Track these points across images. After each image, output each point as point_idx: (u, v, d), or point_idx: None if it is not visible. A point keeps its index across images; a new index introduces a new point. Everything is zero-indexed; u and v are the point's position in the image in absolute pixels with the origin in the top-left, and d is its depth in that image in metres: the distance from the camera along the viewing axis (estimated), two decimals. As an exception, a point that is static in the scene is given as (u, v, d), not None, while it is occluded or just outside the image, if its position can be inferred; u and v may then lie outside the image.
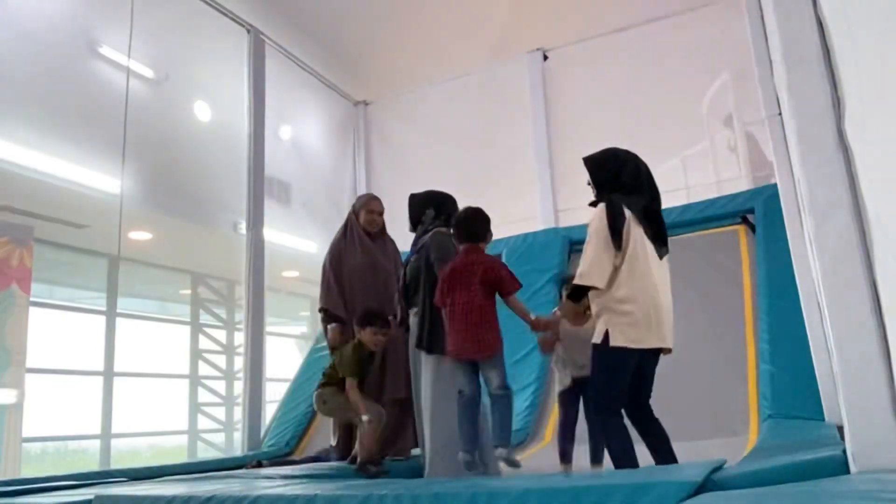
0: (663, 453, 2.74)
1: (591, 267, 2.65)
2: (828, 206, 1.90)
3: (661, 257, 2.81)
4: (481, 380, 3.02)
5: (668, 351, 2.77)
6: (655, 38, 6.65)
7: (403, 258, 3.96)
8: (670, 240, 2.94)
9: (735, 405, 4.34)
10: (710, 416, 4.21)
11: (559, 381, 3.36)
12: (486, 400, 3.09)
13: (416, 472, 3.39)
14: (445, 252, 3.27)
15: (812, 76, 1.98)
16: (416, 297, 3.36)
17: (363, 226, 4.20)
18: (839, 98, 1.92)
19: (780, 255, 4.46)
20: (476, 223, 3.10)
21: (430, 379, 3.24)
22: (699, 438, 3.61)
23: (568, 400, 3.25)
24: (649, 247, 2.74)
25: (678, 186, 6.29)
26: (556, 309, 3.12)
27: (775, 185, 4.32)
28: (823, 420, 3.56)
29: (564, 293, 3.10)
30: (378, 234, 4.25)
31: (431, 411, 3.19)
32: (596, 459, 3.09)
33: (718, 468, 2.09)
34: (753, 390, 4.34)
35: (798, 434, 3.15)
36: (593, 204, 2.88)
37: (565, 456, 3.25)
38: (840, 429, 2.74)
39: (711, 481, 1.90)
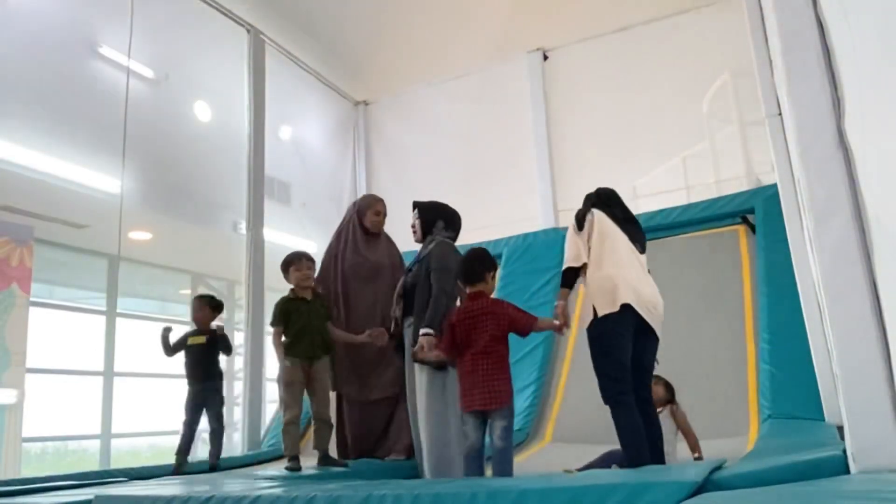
0: (652, 444, 2.84)
1: (567, 252, 3.07)
2: (828, 206, 1.90)
3: (641, 252, 3.14)
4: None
5: (657, 338, 2.96)
6: (655, 38, 6.66)
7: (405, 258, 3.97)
8: (670, 240, 3.09)
9: (735, 405, 4.34)
10: (710, 416, 4.21)
11: None
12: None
13: (415, 475, 3.40)
14: (445, 261, 3.30)
15: (812, 76, 1.98)
16: (412, 307, 3.35)
17: (368, 226, 4.18)
18: (839, 98, 1.92)
19: (780, 255, 4.46)
20: (476, 264, 3.06)
21: (424, 388, 3.24)
22: (699, 438, 3.61)
23: None
24: (622, 239, 3.06)
25: (678, 186, 6.30)
26: (556, 303, 3.10)
27: (775, 185, 4.32)
28: (823, 420, 3.56)
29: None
30: (377, 234, 4.25)
31: (426, 421, 3.20)
32: None
33: (718, 468, 2.09)
34: (753, 390, 4.34)
35: (798, 434, 3.15)
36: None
37: None
38: (840, 429, 2.75)
39: (711, 481, 1.90)
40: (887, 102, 1.34)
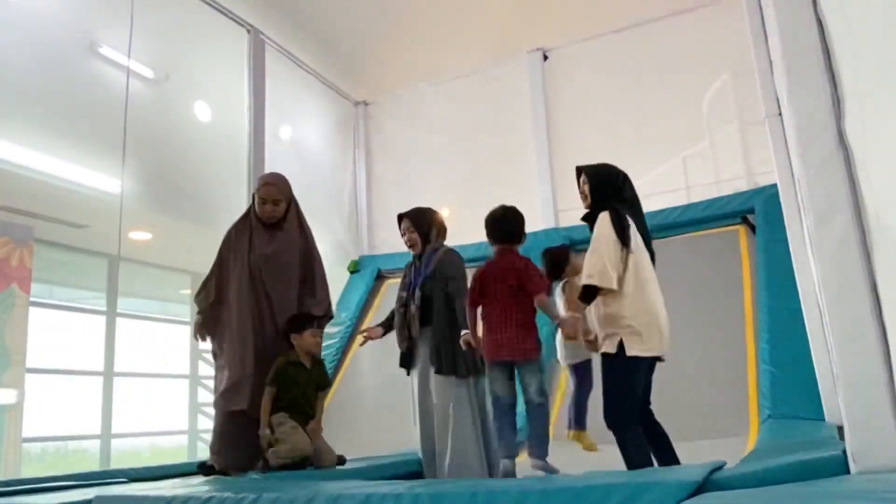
0: (666, 455, 2.79)
1: (601, 269, 2.66)
2: (828, 206, 1.90)
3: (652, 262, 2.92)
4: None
5: (663, 360, 2.84)
6: (655, 38, 6.66)
7: (375, 263, 3.89)
8: (670, 240, 3.03)
9: (735, 405, 4.34)
10: (710, 416, 4.21)
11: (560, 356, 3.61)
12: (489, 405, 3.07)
13: (414, 475, 3.40)
14: (460, 269, 3.35)
15: (812, 76, 1.98)
16: (428, 317, 3.33)
17: (260, 216, 3.61)
18: (839, 98, 1.92)
19: (780, 255, 4.46)
20: (512, 223, 3.02)
21: (446, 400, 3.21)
22: (699, 438, 3.61)
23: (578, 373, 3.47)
24: (648, 260, 2.83)
25: (678, 186, 6.30)
26: (566, 315, 3.02)
27: (775, 185, 4.32)
28: (823, 420, 3.56)
29: (545, 265, 3.34)
30: (278, 225, 3.66)
31: (448, 429, 3.17)
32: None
33: (718, 468, 2.09)
34: (753, 390, 4.35)
35: (798, 434, 3.15)
36: (587, 217, 2.93)
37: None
38: (840, 429, 2.75)
39: (711, 481, 1.90)
40: (887, 102, 1.34)
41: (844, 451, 1.91)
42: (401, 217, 3.63)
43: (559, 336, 3.40)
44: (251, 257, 3.55)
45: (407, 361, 3.49)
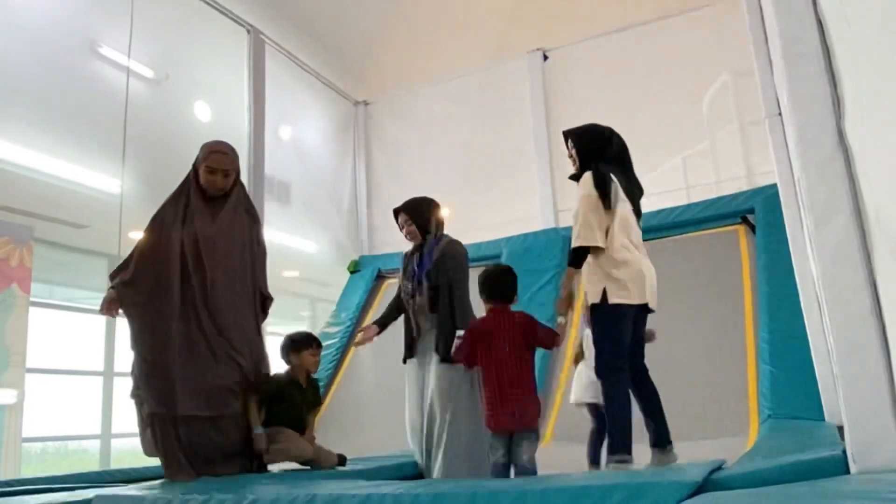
0: (654, 410, 2.91)
1: (585, 229, 2.82)
2: (828, 206, 1.90)
3: (638, 221, 3.04)
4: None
5: (652, 310, 2.97)
6: (655, 38, 6.66)
7: (386, 261, 3.88)
8: (670, 240, 3.08)
9: (735, 405, 4.34)
10: (710, 416, 4.21)
11: (575, 393, 3.64)
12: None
13: (414, 476, 3.39)
14: (462, 261, 3.36)
15: (812, 76, 1.98)
16: (437, 305, 3.32)
17: (202, 186, 3.18)
18: (839, 98, 1.92)
19: (780, 255, 4.46)
20: (510, 282, 2.97)
21: (446, 387, 3.22)
22: (699, 438, 3.62)
23: (599, 413, 3.47)
24: (633, 216, 2.96)
25: (678, 186, 6.30)
26: (563, 283, 3.03)
27: (775, 185, 4.32)
28: (823, 420, 3.56)
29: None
30: (221, 201, 3.20)
31: (452, 415, 3.18)
32: (658, 444, 2.99)
33: (718, 468, 2.09)
34: (753, 390, 4.35)
35: (798, 434, 3.15)
36: (574, 177, 3.06)
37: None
38: (840, 429, 2.75)
39: (711, 481, 1.90)
40: (887, 102, 1.34)
41: (844, 451, 1.91)
42: (396, 211, 3.63)
43: (576, 374, 3.61)
44: (188, 237, 3.05)
45: (410, 351, 3.48)
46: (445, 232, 3.60)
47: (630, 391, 2.88)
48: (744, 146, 6.05)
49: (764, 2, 3.67)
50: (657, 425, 2.92)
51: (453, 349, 3.02)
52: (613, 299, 2.80)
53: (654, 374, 3.02)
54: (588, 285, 2.91)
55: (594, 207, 2.83)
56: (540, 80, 7.17)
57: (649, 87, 6.57)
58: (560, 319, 2.95)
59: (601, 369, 2.86)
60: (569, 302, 2.96)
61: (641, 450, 2.89)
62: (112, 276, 3.09)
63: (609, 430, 2.84)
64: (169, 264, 3.00)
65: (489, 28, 7.49)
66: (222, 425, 3.03)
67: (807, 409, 3.73)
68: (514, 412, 2.78)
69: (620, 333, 2.83)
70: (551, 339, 2.89)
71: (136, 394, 3.02)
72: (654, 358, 3.08)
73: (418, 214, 3.52)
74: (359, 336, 3.78)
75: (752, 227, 5.42)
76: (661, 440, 2.94)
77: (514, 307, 2.98)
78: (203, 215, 3.12)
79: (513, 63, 7.38)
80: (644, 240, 3.11)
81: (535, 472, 2.83)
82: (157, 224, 3.12)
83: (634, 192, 3.05)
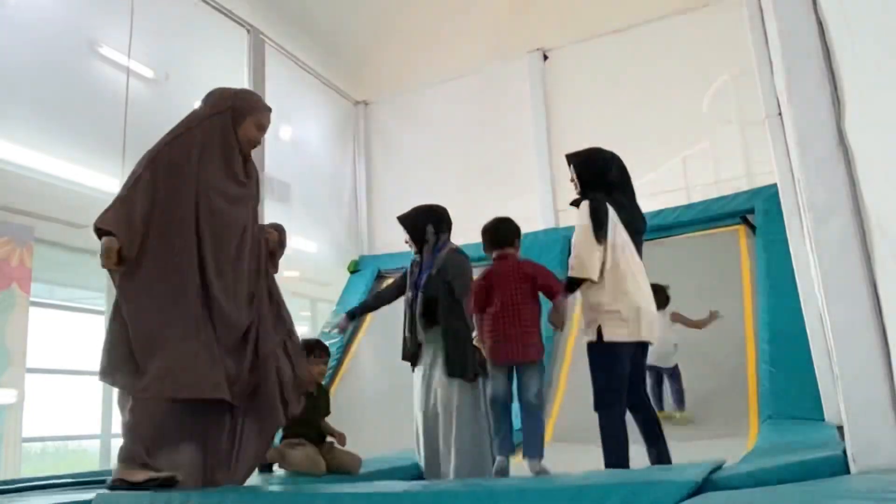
0: (655, 436, 2.87)
1: (581, 260, 2.81)
2: (828, 206, 1.90)
3: (639, 249, 2.97)
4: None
5: (651, 343, 2.92)
6: (655, 38, 6.66)
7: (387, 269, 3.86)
8: (670, 240, 3.06)
9: (735, 405, 4.34)
10: (711, 416, 4.21)
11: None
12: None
13: (415, 477, 3.39)
14: (465, 270, 3.31)
15: (812, 76, 1.98)
16: (433, 318, 3.30)
17: (243, 143, 2.74)
18: (839, 98, 1.92)
19: (780, 255, 4.46)
20: (506, 228, 3.06)
21: (453, 401, 3.19)
22: (699, 438, 3.61)
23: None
24: (632, 248, 2.90)
25: (678, 186, 6.30)
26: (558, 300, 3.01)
27: (775, 185, 4.32)
28: (823, 420, 3.56)
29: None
30: (244, 160, 2.80)
31: (457, 434, 3.14)
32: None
33: (718, 468, 2.09)
34: (753, 390, 4.35)
35: (798, 434, 3.15)
36: (575, 203, 3.03)
37: None
38: (840, 429, 2.75)
39: (711, 481, 1.90)
40: (887, 102, 1.34)
41: (844, 451, 1.91)
42: (399, 218, 3.65)
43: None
44: (214, 192, 2.60)
45: (412, 359, 3.47)
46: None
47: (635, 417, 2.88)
48: (744, 146, 6.05)
49: (764, 2, 3.67)
50: (659, 452, 2.89)
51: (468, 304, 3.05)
52: (609, 337, 2.77)
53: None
54: (584, 317, 2.89)
55: (588, 239, 2.82)
56: (540, 80, 7.18)
57: (649, 87, 6.57)
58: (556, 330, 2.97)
59: (596, 405, 2.84)
60: (562, 322, 2.95)
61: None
62: (105, 216, 2.52)
63: (606, 464, 2.83)
64: (184, 222, 2.54)
65: (489, 28, 7.48)
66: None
67: (807, 409, 3.73)
68: (517, 344, 2.82)
69: (616, 370, 2.79)
70: (556, 286, 2.90)
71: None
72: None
73: (411, 226, 3.51)
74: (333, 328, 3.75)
75: (752, 227, 5.42)
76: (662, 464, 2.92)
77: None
78: (236, 172, 2.70)
79: (513, 63, 7.38)
80: (644, 240, 3.10)
81: (541, 408, 2.88)
82: (185, 158, 2.64)
83: (634, 220, 2.99)
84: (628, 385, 2.87)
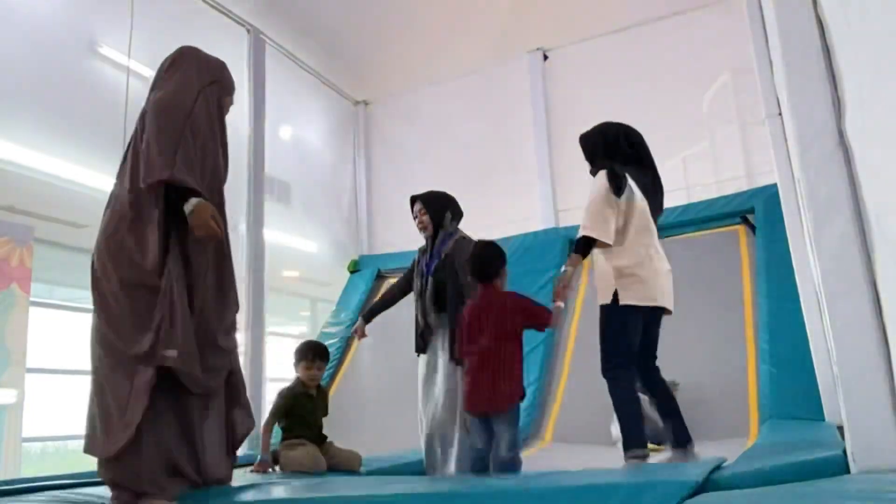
0: (670, 412, 2.87)
1: (594, 222, 2.77)
2: (828, 206, 1.90)
3: (655, 221, 2.99)
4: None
5: (669, 312, 2.91)
6: (655, 38, 6.66)
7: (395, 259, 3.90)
8: (670, 240, 3.07)
9: (735, 405, 4.34)
10: (710, 416, 4.21)
11: None
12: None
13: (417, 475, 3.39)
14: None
15: (812, 76, 1.98)
16: (443, 304, 3.31)
17: (212, 114, 2.70)
18: (839, 98, 1.92)
19: (780, 255, 4.46)
20: (491, 258, 2.92)
21: (454, 387, 3.20)
22: (699, 438, 3.60)
23: None
24: (650, 216, 2.92)
25: (678, 186, 6.29)
26: (564, 268, 2.91)
27: (775, 185, 4.32)
28: (823, 420, 3.56)
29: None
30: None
31: (461, 418, 3.15)
32: (678, 443, 2.94)
33: (718, 468, 2.09)
34: (753, 390, 4.35)
35: (798, 434, 3.15)
36: (594, 173, 3.01)
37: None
38: (840, 429, 2.75)
39: (711, 481, 1.90)
40: (887, 102, 1.34)
41: (844, 451, 1.92)
42: (413, 199, 3.64)
43: None
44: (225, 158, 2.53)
45: (421, 346, 3.47)
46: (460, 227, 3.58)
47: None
48: (744, 146, 6.05)
49: (764, 2, 3.67)
50: (675, 425, 2.89)
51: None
52: (625, 300, 2.75)
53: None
54: (599, 283, 2.88)
55: (607, 202, 2.78)
56: (540, 80, 7.18)
57: (649, 87, 6.57)
58: (558, 304, 2.83)
59: (605, 369, 2.84)
60: (567, 288, 2.84)
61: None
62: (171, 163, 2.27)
63: (621, 427, 2.81)
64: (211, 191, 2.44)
65: (489, 28, 7.48)
66: None
67: (807, 409, 3.73)
68: (488, 391, 2.69)
69: (627, 334, 2.79)
70: (543, 319, 2.78)
71: None
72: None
73: (434, 206, 3.54)
74: (357, 337, 3.81)
75: (752, 227, 5.42)
76: (680, 439, 2.92)
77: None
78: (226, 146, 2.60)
79: (513, 63, 7.38)
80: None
81: (514, 461, 2.69)
82: (218, 110, 2.63)
83: (652, 190, 2.97)
84: (642, 358, 2.87)
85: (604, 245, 2.81)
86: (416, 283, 3.51)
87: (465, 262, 3.17)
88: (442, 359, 3.29)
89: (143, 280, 2.23)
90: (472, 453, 2.87)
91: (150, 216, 2.28)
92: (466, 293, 3.20)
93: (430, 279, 3.38)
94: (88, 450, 2.24)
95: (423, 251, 3.60)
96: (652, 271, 2.79)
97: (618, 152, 3.00)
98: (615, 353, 2.80)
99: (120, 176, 2.48)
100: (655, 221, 3.00)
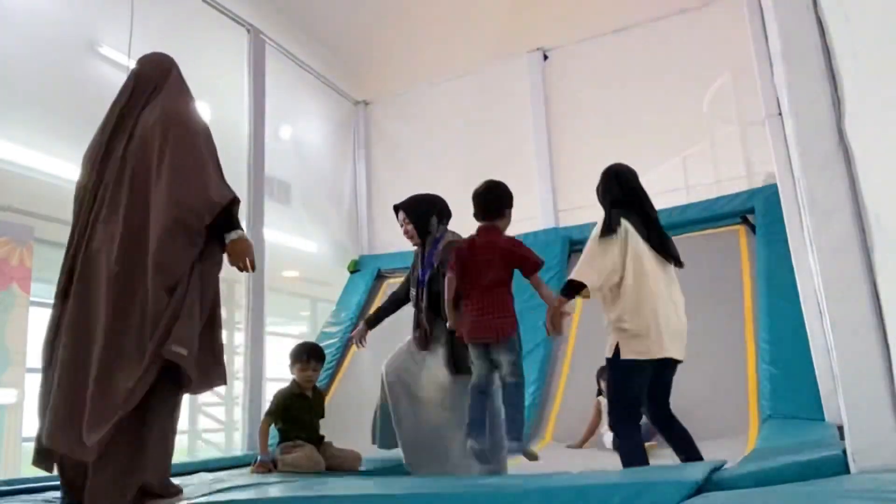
0: (687, 450, 2.82)
1: (583, 266, 2.76)
2: (828, 206, 1.90)
3: (678, 266, 2.92)
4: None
5: (680, 361, 2.85)
6: (656, 37, 6.66)
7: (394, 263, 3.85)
8: (672, 270, 2.98)
9: (735, 405, 4.34)
10: (710, 416, 4.21)
11: None
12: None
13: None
14: None
15: (812, 76, 1.98)
16: (440, 311, 3.26)
17: None
18: (839, 98, 1.92)
19: (780, 255, 4.46)
20: (498, 197, 2.99)
21: (449, 397, 3.18)
22: (699, 438, 3.59)
23: None
24: (653, 261, 2.81)
25: (678, 186, 6.30)
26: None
27: (775, 185, 4.32)
28: (823, 420, 3.56)
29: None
30: None
31: (455, 429, 3.12)
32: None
33: (718, 468, 2.09)
34: (753, 390, 4.35)
35: (798, 434, 3.15)
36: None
37: None
38: (840, 429, 2.75)
39: (711, 481, 1.90)
40: (887, 102, 1.34)
41: (844, 451, 1.91)
42: (396, 208, 3.55)
43: None
44: None
45: (423, 346, 3.41)
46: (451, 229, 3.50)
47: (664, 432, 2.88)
48: (744, 146, 6.05)
49: (764, 2, 3.67)
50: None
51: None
52: (626, 355, 2.70)
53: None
54: (607, 333, 2.84)
55: (600, 248, 2.76)
56: (540, 80, 7.17)
57: (649, 87, 6.57)
58: (555, 334, 2.89)
59: (614, 422, 2.84)
60: (562, 317, 2.84)
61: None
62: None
63: None
64: None
65: (489, 28, 7.48)
66: None
67: (807, 409, 3.73)
68: (489, 320, 2.82)
69: (632, 389, 2.75)
70: (536, 267, 2.88)
71: None
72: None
73: (417, 213, 3.42)
74: (354, 343, 3.78)
75: (752, 227, 5.42)
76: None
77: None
78: None
79: (513, 63, 7.38)
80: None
81: (520, 385, 2.83)
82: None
83: (651, 233, 2.87)
84: (654, 401, 2.84)
85: (606, 295, 2.79)
86: (413, 293, 3.43)
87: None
88: (435, 370, 3.24)
89: (170, 285, 2.33)
90: (471, 386, 2.90)
91: (192, 236, 2.43)
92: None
93: (424, 291, 3.32)
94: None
95: (417, 256, 3.53)
96: (651, 321, 2.70)
97: (619, 195, 2.93)
98: (620, 406, 2.77)
99: (135, 189, 2.49)
100: (669, 260, 2.90)
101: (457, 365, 3.13)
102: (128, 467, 2.21)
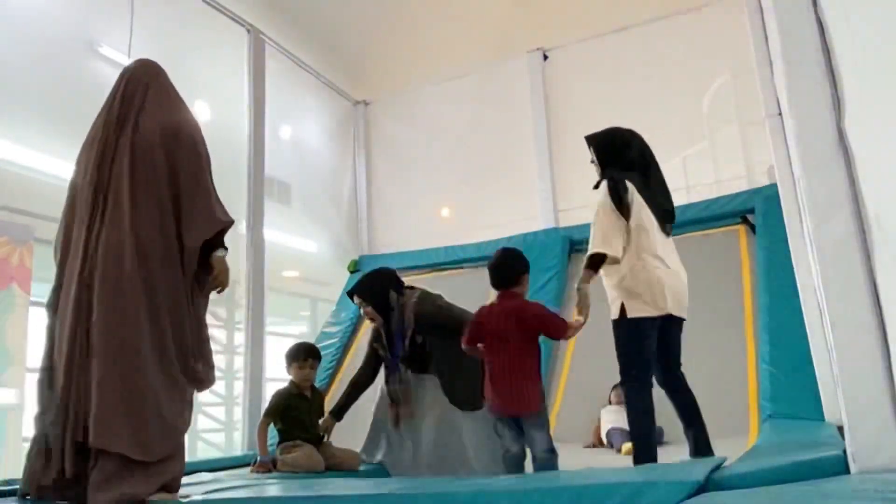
0: (691, 418, 2.89)
1: (604, 238, 2.77)
2: (828, 206, 1.90)
3: (667, 234, 2.95)
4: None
5: (683, 319, 2.92)
6: (655, 38, 6.66)
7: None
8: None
9: (735, 405, 4.34)
10: (711, 416, 4.20)
11: None
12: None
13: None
14: (438, 314, 3.34)
15: (812, 76, 1.98)
16: (428, 364, 3.34)
17: None
18: (839, 98, 1.92)
19: (780, 255, 4.46)
20: (514, 266, 2.97)
21: (472, 436, 3.22)
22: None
23: None
24: (653, 223, 2.87)
25: (678, 186, 6.29)
26: (579, 285, 2.93)
27: (775, 185, 4.32)
28: (823, 420, 3.56)
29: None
30: None
31: (479, 462, 3.18)
32: (698, 453, 2.98)
33: (718, 468, 2.09)
34: (753, 390, 4.34)
35: (798, 434, 3.15)
36: (597, 186, 2.99)
37: None
38: (840, 429, 2.75)
39: (712, 481, 1.90)
40: (887, 102, 1.34)
41: (844, 451, 1.91)
42: (350, 294, 3.58)
43: None
44: None
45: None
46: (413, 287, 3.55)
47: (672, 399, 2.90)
48: (744, 146, 6.05)
49: (764, 2, 3.67)
50: (696, 434, 2.89)
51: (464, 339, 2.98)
52: (632, 314, 2.76)
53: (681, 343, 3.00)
54: (609, 298, 2.88)
55: (610, 216, 2.80)
56: (540, 80, 7.17)
57: (649, 87, 6.57)
58: (579, 318, 2.88)
59: (624, 378, 2.85)
60: (585, 304, 2.86)
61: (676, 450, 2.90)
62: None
63: (633, 440, 2.82)
64: None
65: (489, 28, 7.48)
66: None
67: (807, 409, 3.73)
68: (518, 397, 2.77)
69: (641, 347, 2.78)
70: (559, 330, 2.87)
71: None
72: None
73: (373, 294, 3.48)
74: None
75: (752, 227, 5.42)
76: (700, 449, 2.92)
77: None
78: None
79: (513, 63, 7.38)
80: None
81: (553, 459, 2.78)
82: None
83: (656, 197, 2.94)
84: (664, 365, 2.87)
85: (612, 260, 2.81)
86: (387, 377, 3.51)
87: (433, 314, 3.27)
88: (440, 413, 3.26)
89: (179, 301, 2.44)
90: (506, 456, 2.89)
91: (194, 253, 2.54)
92: (453, 346, 3.11)
93: (399, 368, 3.42)
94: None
95: (379, 333, 3.50)
96: (654, 280, 2.76)
97: (626, 157, 2.99)
98: (630, 366, 2.80)
99: (138, 194, 2.54)
100: (664, 228, 2.95)
101: (467, 402, 3.18)
102: (127, 467, 2.21)
